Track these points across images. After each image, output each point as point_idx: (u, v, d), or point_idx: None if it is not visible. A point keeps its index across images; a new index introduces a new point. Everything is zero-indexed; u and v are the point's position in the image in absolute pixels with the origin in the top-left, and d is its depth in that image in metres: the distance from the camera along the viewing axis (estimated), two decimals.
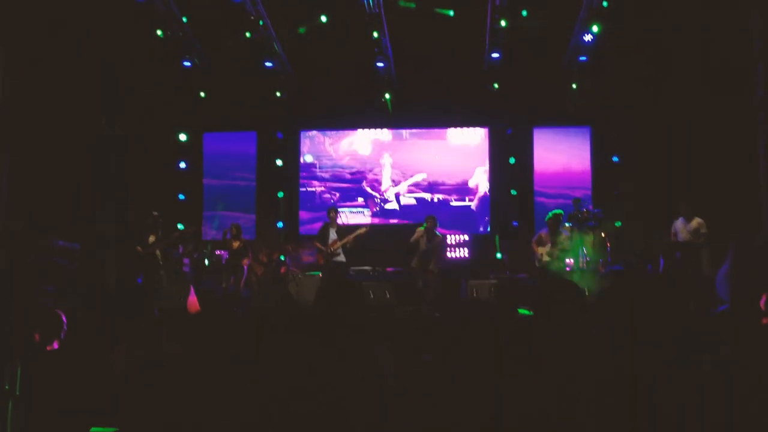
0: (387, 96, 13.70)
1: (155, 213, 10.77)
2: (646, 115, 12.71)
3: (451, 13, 12.25)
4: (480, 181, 14.15)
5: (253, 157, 14.58)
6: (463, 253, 13.41)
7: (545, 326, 2.90)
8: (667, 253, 9.89)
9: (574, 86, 13.18)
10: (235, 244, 10.79)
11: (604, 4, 11.15)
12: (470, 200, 14.16)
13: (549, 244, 10.36)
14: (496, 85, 13.35)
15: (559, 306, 2.89)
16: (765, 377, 3.00)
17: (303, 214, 14.47)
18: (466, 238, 13.62)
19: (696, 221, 9.31)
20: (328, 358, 2.90)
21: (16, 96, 11.43)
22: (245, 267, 11.05)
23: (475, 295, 10.15)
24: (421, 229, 10.74)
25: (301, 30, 12.77)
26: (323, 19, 12.57)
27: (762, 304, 5.32)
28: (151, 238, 10.42)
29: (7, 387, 3.86)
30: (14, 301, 8.03)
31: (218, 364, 3.34)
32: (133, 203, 12.61)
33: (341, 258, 10.68)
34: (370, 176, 14.45)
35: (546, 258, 10.33)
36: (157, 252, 10.42)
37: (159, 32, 12.20)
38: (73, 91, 11.93)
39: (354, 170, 14.54)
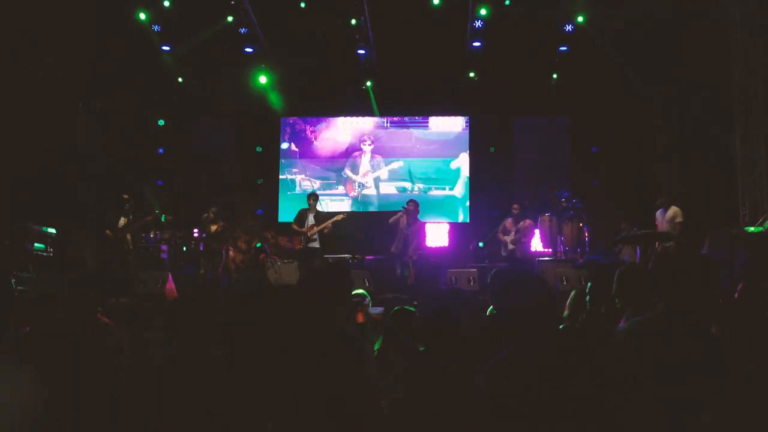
0: (368, 84, 13.64)
1: (125, 196, 10.60)
2: (624, 106, 12.79)
3: (436, 1, 12.18)
4: (460, 170, 14.18)
5: (233, 145, 14.50)
6: (443, 241, 13.43)
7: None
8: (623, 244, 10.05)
9: (554, 76, 13.24)
10: (213, 228, 10.63)
11: None
12: (450, 189, 14.19)
13: (512, 232, 10.55)
14: (472, 74, 13.36)
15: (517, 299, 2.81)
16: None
17: (282, 201, 14.40)
18: (446, 226, 13.64)
19: (672, 210, 9.39)
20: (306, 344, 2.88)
21: None
22: (224, 252, 10.92)
23: (454, 282, 10.18)
24: (402, 212, 10.76)
25: None
26: (302, 4, 12.46)
27: (736, 295, 5.38)
28: (122, 222, 10.28)
29: None
30: None
31: (201, 351, 3.31)
32: (109, 188, 12.44)
33: (316, 244, 10.60)
34: (350, 164, 14.42)
35: (510, 246, 10.51)
36: (127, 236, 10.28)
37: (141, 16, 12.01)
38: (50, 72, 11.72)
39: (334, 158, 14.49)
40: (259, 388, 2.79)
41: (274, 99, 13.97)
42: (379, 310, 4.31)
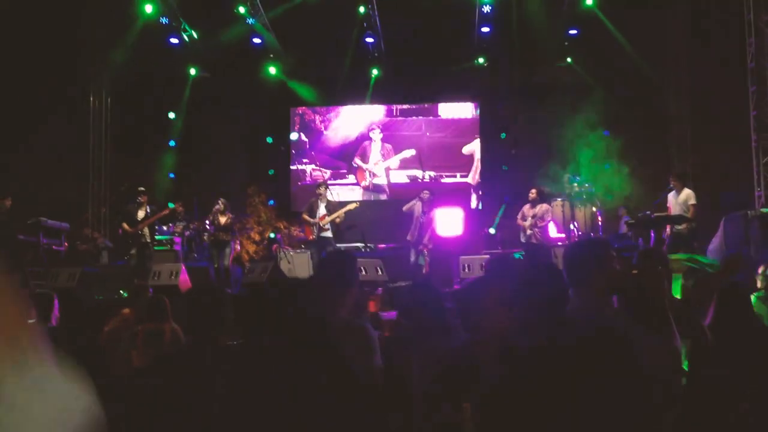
0: (374, 72, 13.60)
1: (141, 189, 10.64)
2: (636, 89, 12.67)
3: None
4: (471, 156, 14.12)
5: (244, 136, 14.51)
6: (457, 229, 13.36)
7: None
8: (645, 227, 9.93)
9: (569, 60, 13.11)
10: (223, 219, 10.64)
11: None
12: (462, 176, 14.14)
13: (529, 218, 10.48)
14: (481, 60, 13.27)
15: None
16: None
17: (294, 192, 14.41)
18: (460, 213, 13.56)
19: (685, 193, 9.31)
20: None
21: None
22: (233, 243, 10.92)
23: (467, 270, 10.14)
24: (416, 201, 10.81)
25: None
26: None
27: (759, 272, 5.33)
28: (140, 214, 10.32)
29: None
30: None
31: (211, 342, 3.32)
32: (122, 183, 12.51)
33: (328, 233, 10.61)
34: (360, 153, 14.39)
35: (528, 231, 10.44)
36: (145, 230, 10.33)
37: (149, 8, 12.00)
38: (58, 69, 11.78)
39: (344, 147, 14.47)
40: (267, 379, 2.79)
41: (300, 89, 13.91)
42: (392, 315, 4.24)
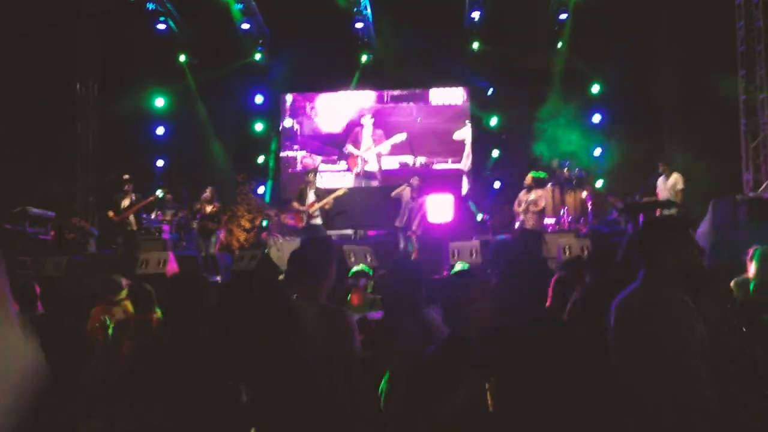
0: (364, 58, 13.51)
1: (126, 176, 10.56)
2: (629, 75, 12.64)
3: None
4: (462, 141, 14.08)
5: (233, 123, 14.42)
6: (447, 215, 13.35)
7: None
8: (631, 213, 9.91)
9: (559, 45, 13.05)
10: (209, 208, 10.57)
11: None
12: (454, 161, 14.10)
13: (522, 203, 10.47)
14: (476, 45, 13.20)
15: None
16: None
17: (285, 179, 14.36)
18: (450, 199, 13.54)
19: (673, 177, 9.33)
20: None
21: None
22: (218, 232, 10.86)
23: (456, 256, 10.13)
24: (406, 186, 10.80)
25: None
26: None
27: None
28: (125, 202, 10.25)
29: None
30: None
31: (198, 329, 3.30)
32: (106, 169, 12.43)
33: (318, 221, 10.59)
34: (351, 139, 14.33)
35: (521, 217, 10.43)
36: (131, 217, 10.26)
37: None
38: (43, 56, 11.67)
39: (335, 134, 14.40)
40: (239, 367, 2.78)
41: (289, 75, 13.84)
42: (378, 315, 4.21)
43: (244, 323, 2.84)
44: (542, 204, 10.44)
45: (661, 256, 2.64)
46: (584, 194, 11.55)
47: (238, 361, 2.77)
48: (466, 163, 14.06)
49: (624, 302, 2.66)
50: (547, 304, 3.86)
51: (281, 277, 6.87)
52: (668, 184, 9.29)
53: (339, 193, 10.73)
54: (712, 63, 11.11)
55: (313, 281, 3.02)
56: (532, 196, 10.42)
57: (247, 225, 13.14)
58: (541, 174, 10.77)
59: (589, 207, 11.31)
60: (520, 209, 10.48)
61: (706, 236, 8.09)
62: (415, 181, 10.81)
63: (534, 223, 10.45)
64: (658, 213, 9.19)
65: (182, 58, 13.71)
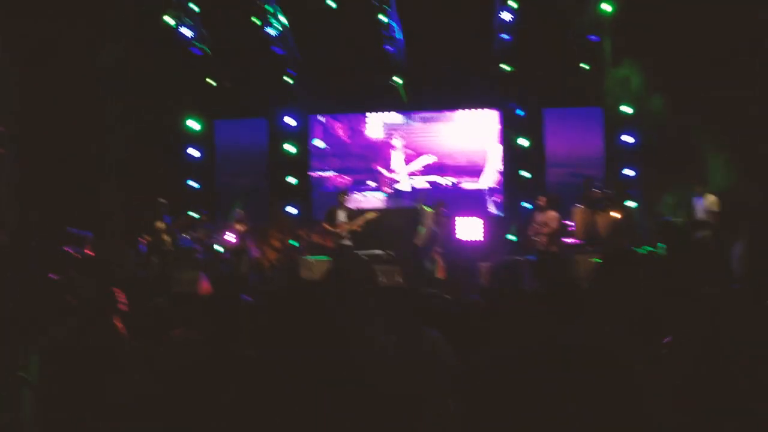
0: (398, 80, 13.61)
1: (162, 200, 10.77)
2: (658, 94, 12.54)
3: None
4: (492, 162, 14.09)
5: (265, 145, 14.61)
6: (477, 235, 13.35)
7: None
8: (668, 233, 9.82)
9: (586, 67, 13.02)
10: (240, 228, 10.77)
11: None
12: (482, 182, 14.11)
13: (534, 225, 10.60)
14: (506, 67, 13.23)
15: None
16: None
17: (315, 199, 14.47)
18: (479, 220, 13.55)
19: (709, 199, 9.23)
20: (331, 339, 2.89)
21: (24, 82, 11.51)
22: (250, 252, 11.04)
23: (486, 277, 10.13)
24: (430, 211, 10.87)
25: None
26: (332, 3, 12.48)
27: None
28: (159, 225, 10.44)
29: (22, 375, 3.89)
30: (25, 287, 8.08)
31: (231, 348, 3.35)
32: (141, 191, 12.64)
33: (348, 242, 10.68)
34: (381, 159, 14.42)
35: (534, 238, 10.64)
36: (165, 237, 10.45)
37: (169, 19, 12.12)
38: (80, 78, 11.96)
39: (365, 154, 14.51)
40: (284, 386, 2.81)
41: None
42: None
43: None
44: (554, 225, 10.46)
45: None
46: (615, 215, 11.45)
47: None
48: (494, 183, 14.04)
49: None
50: None
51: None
52: (704, 206, 9.20)
53: (369, 216, 10.83)
54: (748, 82, 11.00)
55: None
56: (544, 217, 10.50)
57: (278, 244, 13.25)
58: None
59: (619, 227, 11.21)
60: (531, 231, 10.64)
61: (740, 258, 7.99)
62: (439, 206, 10.93)
63: (546, 245, 10.48)
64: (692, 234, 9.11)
65: (212, 81, 13.91)
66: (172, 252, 10.68)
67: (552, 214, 10.55)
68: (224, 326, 3.60)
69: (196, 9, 12.28)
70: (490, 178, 14.09)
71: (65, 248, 10.27)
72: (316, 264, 11.18)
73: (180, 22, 12.23)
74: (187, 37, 12.58)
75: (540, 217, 10.62)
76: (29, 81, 11.47)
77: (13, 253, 9.66)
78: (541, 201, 10.75)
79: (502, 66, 13.26)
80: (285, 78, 13.75)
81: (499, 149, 14.06)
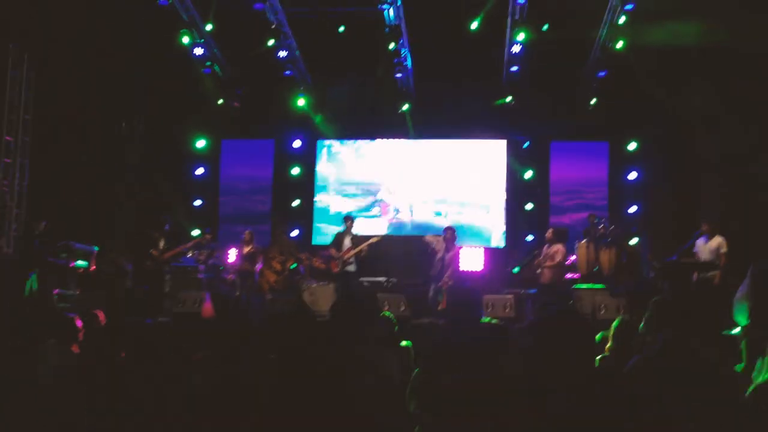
0: (405, 108, 13.67)
1: (165, 218, 10.81)
2: (665, 132, 12.60)
3: (476, 24, 12.09)
4: (496, 194, 14.09)
5: (270, 167, 14.65)
6: (478, 265, 13.30)
7: None
8: (673, 273, 9.77)
9: (592, 102, 13.09)
10: (246, 249, 10.79)
11: (623, 19, 11.02)
12: (486, 213, 14.09)
13: (539, 258, 10.58)
14: (509, 99, 13.29)
15: None
16: None
17: (317, 223, 14.46)
18: (481, 250, 13.49)
19: (716, 240, 9.18)
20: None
21: (37, 100, 11.60)
22: (255, 273, 11.04)
23: (490, 310, 10.09)
24: (440, 237, 10.86)
25: None
26: (341, 29, 12.58)
27: None
28: (162, 243, 10.46)
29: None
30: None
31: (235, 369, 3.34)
32: (147, 208, 12.67)
33: (352, 267, 10.68)
34: (385, 187, 14.43)
35: (538, 271, 10.67)
36: (167, 256, 10.46)
37: (184, 39, 12.20)
38: (91, 95, 12.06)
39: (370, 180, 14.52)
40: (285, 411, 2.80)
41: (319, 121, 14.08)
42: None
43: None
44: (558, 258, 10.44)
45: None
46: (619, 251, 11.42)
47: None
48: (499, 214, 14.03)
49: None
50: None
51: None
52: (710, 246, 9.16)
53: (374, 240, 10.83)
54: (751, 120, 11.05)
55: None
56: (549, 250, 10.48)
57: (278, 267, 13.20)
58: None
59: (624, 264, 11.17)
60: (537, 263, 10.63)
61: (742, 301, 7.93)
62: (448, 233, 10.86)
63: (549, 278, 10.44)
64: (695, 276, 9.07)
65: (220, 101, 13.98)
66: (174, 271, 10.65)
67: (558, 248, 10.52)
68: (229, 348, 3.59)
69: (209, 28, 12.34)
70: (494, 209, 14.07)
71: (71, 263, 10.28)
72: (319, 289, 11.16)
73: (193, 41, 12.29)
74: (199, 56, 12.64)
75: (546, 249, 10.59)
76: (41, 95, 11.57)
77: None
78: (548, 234, 10.72)
79: (509, 98, 13.31)
80: (295, 101, 13.81)
81: (505, 181, 14.05)
